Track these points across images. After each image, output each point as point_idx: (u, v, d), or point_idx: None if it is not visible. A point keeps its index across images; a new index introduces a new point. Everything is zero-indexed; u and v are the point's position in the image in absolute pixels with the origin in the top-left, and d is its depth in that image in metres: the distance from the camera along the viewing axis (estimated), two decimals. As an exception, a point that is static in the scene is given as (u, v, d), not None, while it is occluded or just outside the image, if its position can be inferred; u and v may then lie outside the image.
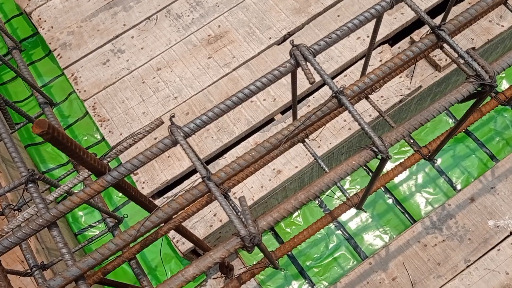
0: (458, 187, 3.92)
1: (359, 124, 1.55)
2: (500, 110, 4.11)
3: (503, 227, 3.12)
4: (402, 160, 2.36)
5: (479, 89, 1.58)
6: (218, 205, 3.34)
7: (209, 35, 3.96)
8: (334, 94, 1.61)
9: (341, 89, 1.60)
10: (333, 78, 3.70)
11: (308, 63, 1.68)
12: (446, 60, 3.52)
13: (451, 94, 1.57)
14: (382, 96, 3.52)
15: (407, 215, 3.90)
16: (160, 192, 3.53)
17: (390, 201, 3.96)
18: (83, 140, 4.46)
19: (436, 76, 3.56)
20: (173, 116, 1.62)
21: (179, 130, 1.60)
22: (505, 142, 4.00)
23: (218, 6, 4.06)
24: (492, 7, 1.76)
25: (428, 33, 1.67)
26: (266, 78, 1.68)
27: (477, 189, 3.23)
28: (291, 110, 3.62)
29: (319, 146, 3.46)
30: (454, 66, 3.58)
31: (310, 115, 1.60)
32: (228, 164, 1.60)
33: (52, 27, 4.14)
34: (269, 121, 3.68)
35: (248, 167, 1.62)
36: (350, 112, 1.58)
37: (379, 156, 1.54)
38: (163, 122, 1.68)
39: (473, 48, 3.58)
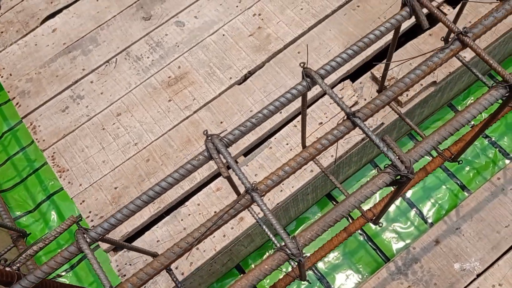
0: (430, 220, 3.84)
1: (272, 224, 1.48)
2: (470, 139, 4.02)
3: (469, 270, 3.04)
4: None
5: (396, 178, 1.50)
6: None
7: (169, 77, 3.89)
8: (246, 191, 1.54)
9: (253, 185, 1.53)
10: (291, 120, 3.63)
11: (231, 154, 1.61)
12: (407, 95, 3.45)
13: (367, 186, 1.49)
14: (343, 136, 3.44)
15: (378, 252, 3.82)
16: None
17: (361, 237, 3.88)
18: (50, 185, 4.40)
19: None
20: (80, 220, 1.55)
21: (85, 235, 1.53)
22: (475, 171, 3.92)
23: (178, 46, 3.99)
24: (418, 80, 1.68)
25: (344, 118, 1.59)
26: (178, 173, 1.60)
27: (442, 230, 3.15)
28: (253, 152, 3.55)
29: (281, 190, 3.38)
30: (416, 100, 3.50)
31: (222, 214, 1.53)
32: (143, 267, 1.53)
33: (10, 75, 4.07)
34: (231, 163, 3.60)
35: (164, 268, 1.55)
36: (262, 210, 1.50)
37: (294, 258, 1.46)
38: (75, 221, 1.61)
39: (435, 82, 3.51)
